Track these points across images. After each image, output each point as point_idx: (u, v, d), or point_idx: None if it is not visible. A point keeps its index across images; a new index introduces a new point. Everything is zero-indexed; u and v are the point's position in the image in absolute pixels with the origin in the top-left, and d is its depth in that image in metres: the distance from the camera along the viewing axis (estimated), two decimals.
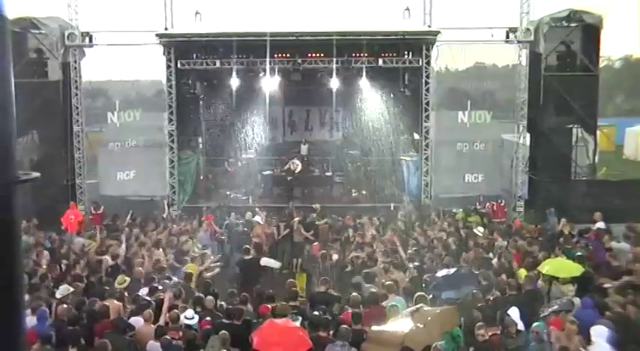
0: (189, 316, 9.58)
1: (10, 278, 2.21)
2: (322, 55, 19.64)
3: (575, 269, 11.40)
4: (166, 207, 19.63)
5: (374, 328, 8.88)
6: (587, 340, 8.29)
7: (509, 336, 8.92)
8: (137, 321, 9.59)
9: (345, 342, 8.46)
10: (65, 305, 10.08)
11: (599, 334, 8.16)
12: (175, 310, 9.76)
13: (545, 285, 11.10)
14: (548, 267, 11.37)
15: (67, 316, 9.58)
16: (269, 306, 10.06)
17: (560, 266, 11.50)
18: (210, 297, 10.59)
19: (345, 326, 8.82)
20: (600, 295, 10.28)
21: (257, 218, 17.18)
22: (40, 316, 9.53)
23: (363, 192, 21.97)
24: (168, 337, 8.76)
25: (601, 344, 8.05)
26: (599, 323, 8.56)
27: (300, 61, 19.70)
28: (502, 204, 18.86)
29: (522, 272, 11.71)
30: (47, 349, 8.36)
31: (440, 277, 11.32)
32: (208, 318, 9.71)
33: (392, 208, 18.96)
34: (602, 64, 19.84)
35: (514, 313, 9.40)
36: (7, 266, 2.21)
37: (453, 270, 11.60)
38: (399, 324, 8.87)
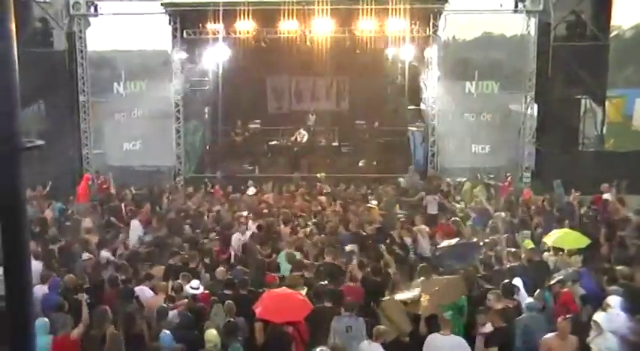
0: (194, 286, 9.63)
1: (16, 245, 2.23)
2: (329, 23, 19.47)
3: (582, 240, 11.40)
4: (172, 177, 19.74)
5: (386, 298, 8.96)
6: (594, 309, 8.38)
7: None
8: (142, 290, 9.68)
9: (352, 313, 8.52)
10: (72, 275, 10.19)
11: (614, 303, 8.18)
12: (179, 281, 9.83)
13: (551, 257, 11.11)
14: (553, 238, 11.38)
15: (73, 285, 9.69)
16: (276, 276, 10.13)
17: (566, 238, 11.50)
18: (221, 268, 10.63)
19: (350, 299, 8.87)
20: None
21: (250, 191, 17.26)
22: (52, 285, 9.64)
23: (370, 162, 21.93)
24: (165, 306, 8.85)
25: (616, 312, 8.09)
26: (613, 292, 8.62)
27: (306, 29, 19.53)
28: (507, 180, 18.42)
29: (528, 243, 11.72)
30: (59, 316, 8.45)
31: (444, 247, 11.35)
32: (206, 291, 9.72)
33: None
34: (612, 33, 19.53)
35: (518, 283, 9.47)
36: (13, 233, 2.23)
37: (455, 240, 11.63)
38: (408, 293, 8.97)
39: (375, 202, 15.86)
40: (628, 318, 8.04)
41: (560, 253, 11.05)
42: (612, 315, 8.08)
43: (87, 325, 8.33)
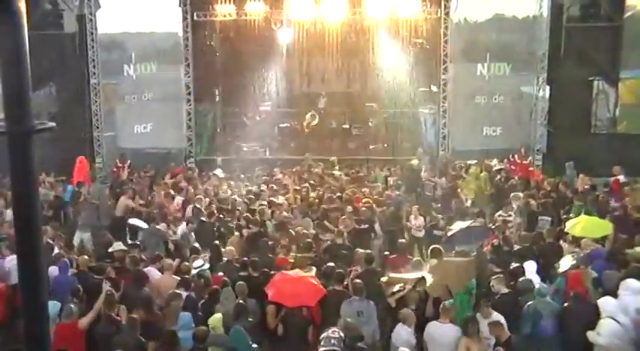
0: (197, 266, 9.63)
1: (29, 228, 2.24)
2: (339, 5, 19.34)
3: (606, 227, 11.16)
4: (184, 160, 19.80)
5: (392, 274, 8.98)
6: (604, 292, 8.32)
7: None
8: (149, 271, 9.69)
9: (362, 296, 8.53)
10: (86, 256, 10.25)
11: (630, 288, 8.08)
12: (186, 263, 9.85)
13: (575, 248, 10.78)
14: (579, 229, 10.94)
15: (88, 267, 9.74)
16: (287, 258, 10.15)
17: (590, 226, 11.06)
18: (230, 248, 10.65)
19: (359, 281, 8.88)
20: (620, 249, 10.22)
21: (217, 171, 17.31)
22: (62, 267, 9.69)
23: (381, 145, 21.88)
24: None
25: (627, 296, 8.01)
26: (627, 275, 8.51)
27: (316, 12, 19.41)
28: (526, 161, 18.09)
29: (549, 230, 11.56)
30: (73, 301, 8.44)
31: (454, 230, 11.32)
32: (221, 273, 9.76)
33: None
34: (627, 14, 19.23)
35: (530, 266, 9.43)
36: (25, 216, 2.23)
37: (467, 223, 11.58)
38: (418, 273, 9.00)
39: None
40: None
41: (585, 239, 10.74)
42: (623, 298, 8.00)
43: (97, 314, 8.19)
